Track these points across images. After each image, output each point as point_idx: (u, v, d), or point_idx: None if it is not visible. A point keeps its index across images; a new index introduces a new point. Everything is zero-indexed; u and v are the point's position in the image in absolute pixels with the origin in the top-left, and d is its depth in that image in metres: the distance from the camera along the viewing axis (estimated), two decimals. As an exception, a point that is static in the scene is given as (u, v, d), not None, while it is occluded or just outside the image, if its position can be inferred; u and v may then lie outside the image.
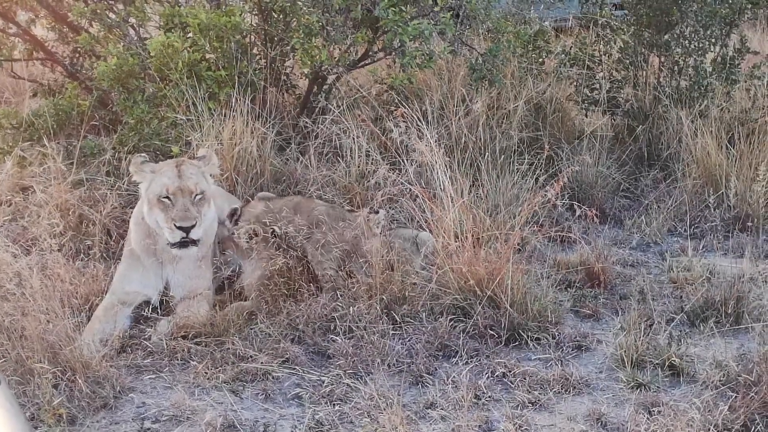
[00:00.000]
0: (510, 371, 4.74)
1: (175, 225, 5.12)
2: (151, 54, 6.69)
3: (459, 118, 7.28)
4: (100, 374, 4.54)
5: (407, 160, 6.17)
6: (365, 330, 5.00)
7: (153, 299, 5.39)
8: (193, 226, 5.15)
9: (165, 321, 5.18)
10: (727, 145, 7.29)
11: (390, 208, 6.22)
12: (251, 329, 5.09)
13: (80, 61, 8.19)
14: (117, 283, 5.39)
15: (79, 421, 4.30)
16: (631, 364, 4.75)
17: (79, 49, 7.95)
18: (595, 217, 5.40)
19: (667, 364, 4.74)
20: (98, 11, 7.19)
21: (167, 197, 5.19)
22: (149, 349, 4.96)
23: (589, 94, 8.25)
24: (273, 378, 4.71)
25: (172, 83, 6.71)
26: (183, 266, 5.41)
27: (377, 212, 5.89)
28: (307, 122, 7.29)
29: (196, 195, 5.26)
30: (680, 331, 5.10)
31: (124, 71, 6.74)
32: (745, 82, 8.09)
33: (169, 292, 5.43)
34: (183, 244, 5.19)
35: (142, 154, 5.60)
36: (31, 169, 6.78)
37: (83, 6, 7.20)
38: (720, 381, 4.54)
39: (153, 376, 4.73)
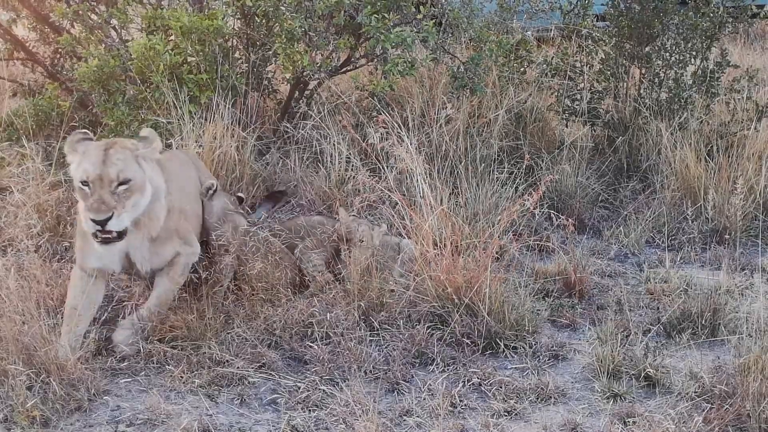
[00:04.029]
0: (486, 380, 4.74)
1: (89, 217, 4.63)
2: (133, 56, 6.68)
3: (440, 126, 7.29)
4: (75, 377, 4.51)
5: (387, 166, 6.18)
6: (342, 336, 4.99)
7: (117, 271, 5.15)
8: (108, 219, 4.61)
9: (128, 322, 5.03)
10: (706, 158, 7.33)
11: (369, 214, 6.22)
12: (228, 333, 5.08)
13: (61, 62, 8.17)
14: (79, 259, 5.09)
15: (53, 423, 4.27)
16: (607, 375, 4.76)
17: (60, 49, 7.94)
18: (573, 227, 5.42)
19: (642, 374, 4.75)
20: (80, 12, 7.17)
21: (87, 184, 4.69)
22: (125, 353, 4.93)
23: (570, 105, 8.28)
24: (249, 383, 4.69)
25: (153, 86, 6.70)
26: (137, 245, 5.01)
27: (380, 225, 5.92)
28: (287, 127, 7.29)
29: (119, 184, 4.70)
30: (656, 342, 5.11)
31: (105, 73, 6.73)
32: (725, 95, 8.14)
33: (133, 266, 5.09)
34: (105, 240, 4.70)
35: (84, 131, 5.10)
36: (9, 169, 6.74)
37: (65, 7, 7.18)
38: (695, 392, 4.55)
39: (128, 380, 4.70)
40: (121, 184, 4.69)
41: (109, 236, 4.68)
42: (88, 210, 4.62)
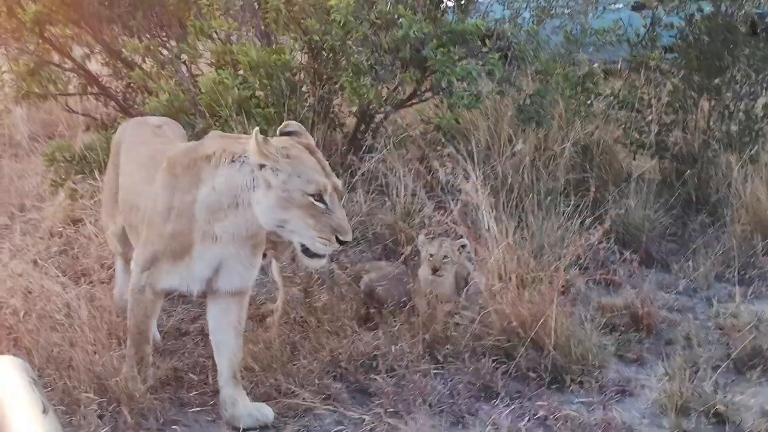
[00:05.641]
0: (552, 414, 4.70)
1: (337, 238, 4.17)
2: (202, 90, 6.78)
3: (505, 159, 7.28)
4: (145, 406, 4.57)
5: (452, 199, 6.19)
6: (407, 369, 4.99)
7: (198, 291, 4.57)
8: None
9: (238, 405, 4.62)
10: (777, 191, 7.23)
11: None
12: (294, 365, 5.10)
13: (133, 96, 8.33)
14: (150, 281, 4.51)
15: (122, 452, 4.34)
16: (676, 411, 4.69)
17: (131, 84, 8.10)
18: (636, 263, 5.36)
19: (712, 411, 4.67)
20: (151, 48, 7.32)
21: (321, 200, 4.19)
22: (193, 383, 4.96)
23: (638, 137, 8.21)
24: (314, 414, 4.71)
25: (221, 120, 6.79)
26: (238, 248, 4.45)
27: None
28: (354, 160, 7.34)
29: None
30: (726, 379, 5.03)
31: (175, 107, 6.83)
32: (797, 127, 8.03)
33: (214, 283, 4.55)
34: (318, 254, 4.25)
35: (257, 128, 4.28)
36: (82, 201, 6.89)
37: (137, 42, 7.33)
38: (767, 430, 4.47)
39: (197, 410, 4.74)
40: None
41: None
42: (335, 230, 4.16)
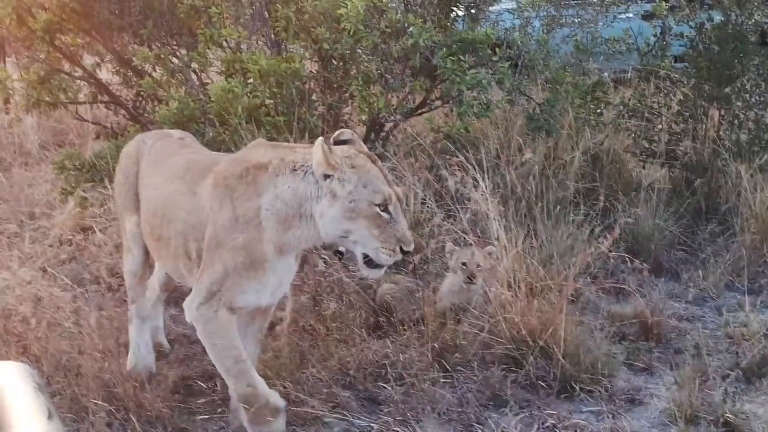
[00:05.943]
0: (561, 423, 4.70)
1: (402, 248, 4.10)
2: (212, 99, 6.79)
3: (515, 168, 7.27)
4: (154, 414, 4.58)
5: (462, 208, 6.18)
6: (416, 377, 4.99)
7: (265, 304, 4.52)
8: None
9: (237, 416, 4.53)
10: (787, 200, 7.20)
11: (442, 256, 6.22)
12: (302, 373, 5.09)
13: (143, 105, 8.34)
14: (229, 299, 4.27)
15: (130, 459, 4.34)
16: (685, 420, 4.67)
17: (142, 92, 8.10)
18: (646, 272, 5.35)
19: (721, 420, 4.66)
20: (162, 56, 7.33)
21: (386, 210, 4.12)
22: (202, 390, 4.96)
23: (648, 146, 8.20)
24: (323, 423, 4.71)
25: (231, 128, 6.80)
26: (293, 259, 4.42)
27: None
28: (363, 168, 7.32)
29: None
30: (736, 388, 5.01)
31: (185, 115, 6.84)
32: (807, 136, 8.00)
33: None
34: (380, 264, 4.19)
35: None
36: (92, 209, 6.90)
37: (147, 51, 7.34)
38: (776, 439, 4.47)
39: (206, 417, 4.74)
40: None
41: None
42: (400, 241, 4.09)
